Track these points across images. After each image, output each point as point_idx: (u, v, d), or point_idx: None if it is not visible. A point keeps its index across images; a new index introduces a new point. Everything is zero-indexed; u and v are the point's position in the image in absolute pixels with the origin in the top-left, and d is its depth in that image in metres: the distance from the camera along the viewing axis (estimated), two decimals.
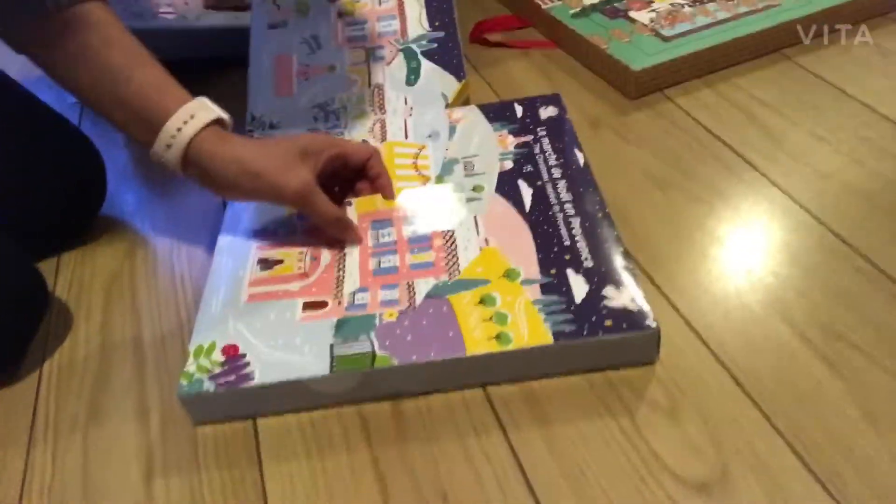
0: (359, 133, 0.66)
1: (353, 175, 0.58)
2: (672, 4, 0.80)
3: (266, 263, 0.53)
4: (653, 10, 0.79)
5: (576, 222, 0.53)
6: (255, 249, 0.55)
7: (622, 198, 0.60)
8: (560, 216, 0.53)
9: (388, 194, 0.57)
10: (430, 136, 0.64)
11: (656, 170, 0.64)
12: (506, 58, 0.83)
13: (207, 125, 0.50)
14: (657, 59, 0.72)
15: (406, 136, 0.65)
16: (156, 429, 0.47)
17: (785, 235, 0.55)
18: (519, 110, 0.66)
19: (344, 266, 0.52)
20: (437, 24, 0.73)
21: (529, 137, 0.62)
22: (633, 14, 0.79)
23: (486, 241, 0.52)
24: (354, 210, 0.56)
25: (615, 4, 0.82)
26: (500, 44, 0.84)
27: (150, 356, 0.52)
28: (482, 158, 0.61)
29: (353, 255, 0.53)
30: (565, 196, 0.55)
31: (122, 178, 0.72)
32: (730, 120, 0.68)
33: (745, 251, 0.54)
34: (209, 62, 0.84)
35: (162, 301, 0.57)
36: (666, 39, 0.74)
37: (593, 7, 0.82)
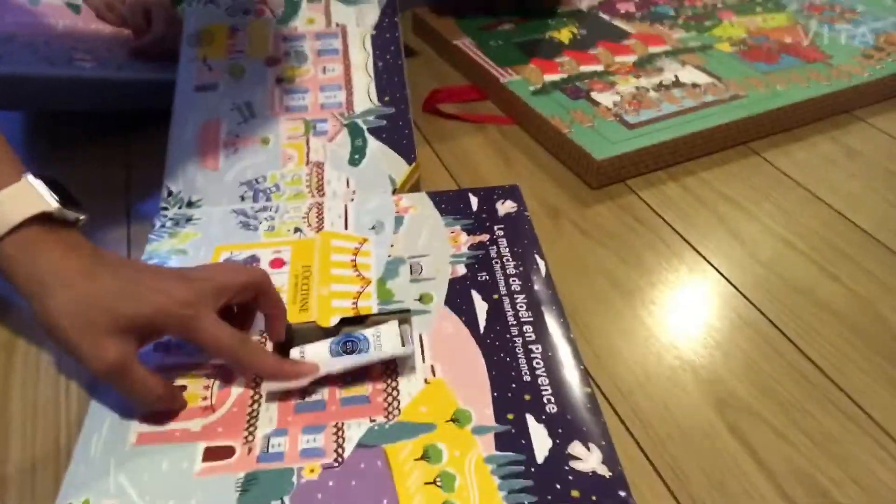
0: (291, 218, 0.58)
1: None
2: (636, 88, 0.75)
3: None
4: (616, 94, 0.75)
5: (537, 351, 0.46)
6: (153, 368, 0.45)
7: (582, 306, 0.54)
8: (519, 342, 0.47)
9: (278, 335, 0.46)
10: (373, 228, 0.57)
11: (619, 273, 0.58)
12: (460, 131, 0.76)
13: (13, 229, 0.39)
14: (621, 148, 0.67)
15: (346, 226, 0.57)
16: None
17: (759, 360, 0.50)
18: (474, 202, 0.59)
19: (260, 398, 0.43)
20: (387, 98, 0.66)
21: (486, 237, 0.56)
22: (595, 96, 0.74)
23: (433, 369, 0.45)
24: None
25: (577, 84, 0.77)
26: (454, 116, 0.78)
27: (13, 494, 0.42)
28: (432, 260, 0.53)
29: (272, 384, 0.44)
30: (525, 315, 0.49)
31: None
32: (696, 218, 0.64)
33: (717, 379, 0.49)
34: (130, 116, 0.75)
35: (40, 415, 0.47)
36: (630, 127, 0.70)
37: (554, 85, 0.77)
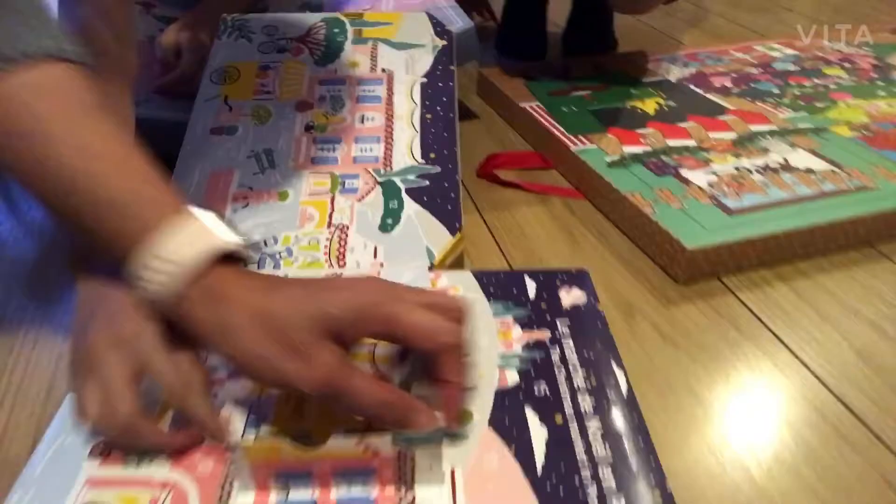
0: None
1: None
2: (737, 168, 0.63)
3: None
4: (712, 173, 0.62)
5: None
6: (85, 477, 0.33)
7: (661, 438, 0.40)
8: (593, 493, 0.32)
9: (450, 416, 0.34)
10: None
11: (713, 398, 0.44)
12: (518, 202, 0.65)
13: (199, 275, 0.34)
14: (719, 237, 0.53)
15: None
16: None
17: None
18: (531, 288, 0.46)
19: None
20: (432, 155, 0.55)
21: (545, 334, 0.42)
22: (685, 173, 0.62)
23: None
24: (243, 456, 0.33)
25: (663, 158, 0.64)
26: (513, 184, 0.67)
27: None
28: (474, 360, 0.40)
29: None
30: (601, 451, 0.34)
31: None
32: (815, 333, 0.49)
33: None
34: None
35: None
36: (730, 213, 0.56)
37: (635, 157, 0.65)
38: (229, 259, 0.35)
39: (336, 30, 0.62)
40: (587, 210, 0.63)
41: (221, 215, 0.37)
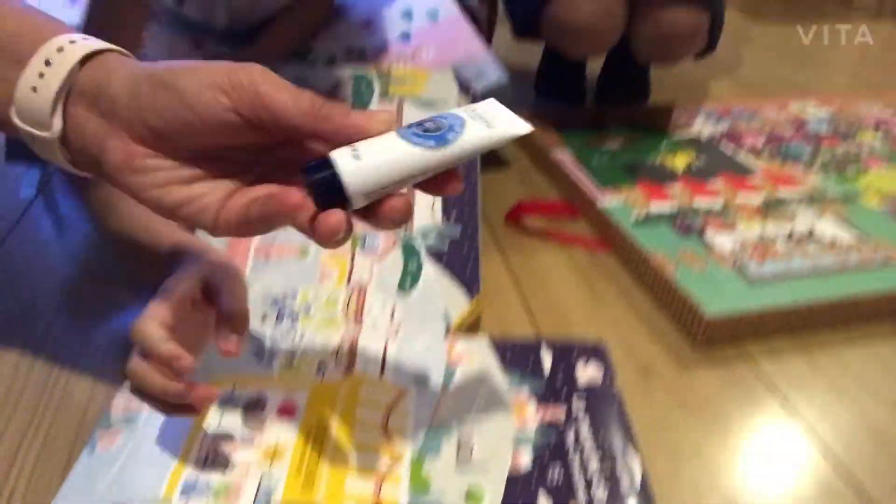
0: (316, 353, 0.46)
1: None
2: (761, 234, 0.62)
3: None
4: (736, 237, 0.61)
5: None
6: None
7: (668, 497, 0.40)
8: None
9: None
10: (415, 381, 0.44)
11: (723, 465, 0.43)
12: (543, 250, 0.65)
13: (96, 52, 0.32)
14: (739, 305, 0.53)
15: (382, 372, 0.44)
16: None
17: None
18: (547, 360, 0.46)
19: None
20: (453, 215, 0.55)
21: (561, 411, 0.42)
22: (710, 236, 0.61)
23: None
24: None
25: (689, 218, 0.64)
26: (539, 232, 0.67)
27: None
28: (487, 437, 0.40)
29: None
30: None
31: None
32: (836, 414, 0.48)
33: None
34: None
35: None
36: (751, 281, 0.56)
37: (660, 216, 0.64)
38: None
39: (363, 86, 0.63)
40: (611, 264, 0.63)
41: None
